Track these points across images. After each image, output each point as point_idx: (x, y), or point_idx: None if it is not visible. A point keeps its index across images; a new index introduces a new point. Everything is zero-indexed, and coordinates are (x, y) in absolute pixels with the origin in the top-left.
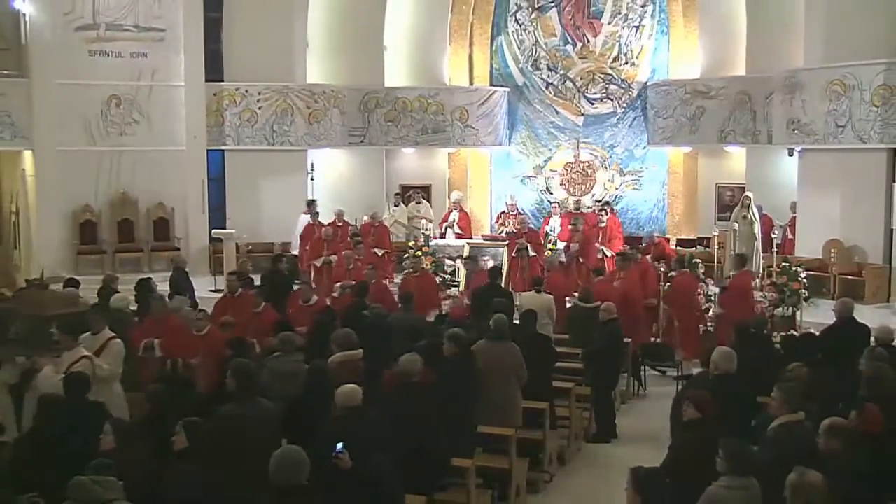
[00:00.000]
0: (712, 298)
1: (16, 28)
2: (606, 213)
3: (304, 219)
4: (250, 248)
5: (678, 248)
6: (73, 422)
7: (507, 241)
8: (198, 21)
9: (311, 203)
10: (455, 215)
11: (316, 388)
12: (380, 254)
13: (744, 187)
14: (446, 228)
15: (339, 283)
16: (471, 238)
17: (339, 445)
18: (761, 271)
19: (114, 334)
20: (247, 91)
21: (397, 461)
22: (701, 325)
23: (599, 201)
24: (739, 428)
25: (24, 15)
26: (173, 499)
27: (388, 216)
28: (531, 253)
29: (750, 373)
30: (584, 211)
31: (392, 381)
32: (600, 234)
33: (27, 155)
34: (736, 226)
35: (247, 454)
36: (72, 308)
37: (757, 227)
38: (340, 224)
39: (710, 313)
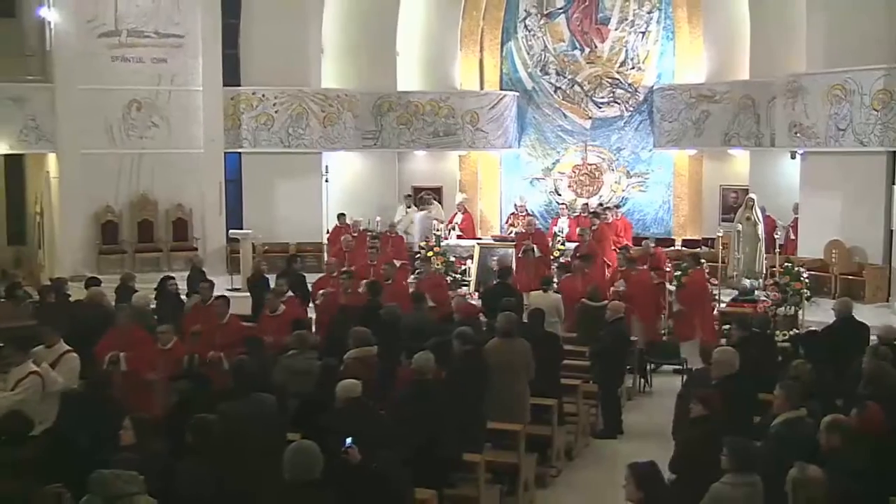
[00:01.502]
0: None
1: (41, 35)
2: (598, 216)
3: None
4: (266, 248)
5: (682, 248)
6: (91, 418)
7: (515, 242)
8: (216, 27)
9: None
10: (459, 217)
11: (328, 385)
12: (398, 264)
13: (747, 189)
14: (450, 230)
15: (321, 290)
16: (474, 238)
17: (349, 440)
18: (765, 271)
19: (69, 348)
20: (263, 95)
21: (406, 457)
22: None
23: (586, 204)
24: (743, 426)
25: (49, 22)
26: (186, 495)
27: (400, 217)
28: (537, 253)
29: (752, 371)
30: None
31: (405, 379)
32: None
33: (51, 158)
34: (740, 227)
35: (245, 449)
36: (23, 321)
37: (760, 228)
38: (356, 234)
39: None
